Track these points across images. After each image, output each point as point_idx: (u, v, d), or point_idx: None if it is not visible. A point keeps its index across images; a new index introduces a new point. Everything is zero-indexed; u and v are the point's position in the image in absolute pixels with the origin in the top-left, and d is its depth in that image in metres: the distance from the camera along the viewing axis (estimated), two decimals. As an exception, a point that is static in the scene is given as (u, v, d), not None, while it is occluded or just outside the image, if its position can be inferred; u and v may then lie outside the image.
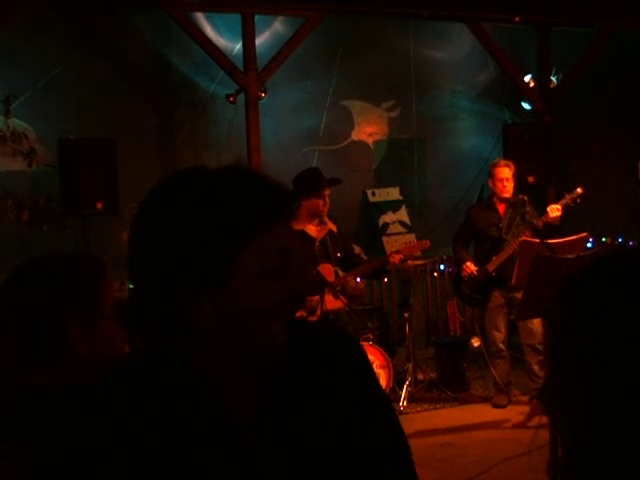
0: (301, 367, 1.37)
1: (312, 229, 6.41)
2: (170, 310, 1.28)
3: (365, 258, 6.91)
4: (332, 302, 6.32)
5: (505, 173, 6.95)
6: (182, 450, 1.28)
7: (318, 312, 6.22)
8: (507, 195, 6.96)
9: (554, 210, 6.78)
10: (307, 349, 1.39)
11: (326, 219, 6.48)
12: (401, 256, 6.69)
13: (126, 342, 1.85)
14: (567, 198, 6.99)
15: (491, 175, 7.05)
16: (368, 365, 1.47)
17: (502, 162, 7.08)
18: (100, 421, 1.31)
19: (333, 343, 1.44)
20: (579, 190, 6.97)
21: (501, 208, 7.03)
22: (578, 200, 6.98)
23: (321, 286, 6.14)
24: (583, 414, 0.86)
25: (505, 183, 6.94)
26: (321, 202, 6.32)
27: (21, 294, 1.91)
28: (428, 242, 7.14)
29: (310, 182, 6.33)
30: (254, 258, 1.27)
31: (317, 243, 6.43)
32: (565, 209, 6.91)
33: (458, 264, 7.17)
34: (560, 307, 0.90)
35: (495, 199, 7.06)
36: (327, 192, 6.40)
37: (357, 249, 7.06)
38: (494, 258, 6.93)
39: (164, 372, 1.33)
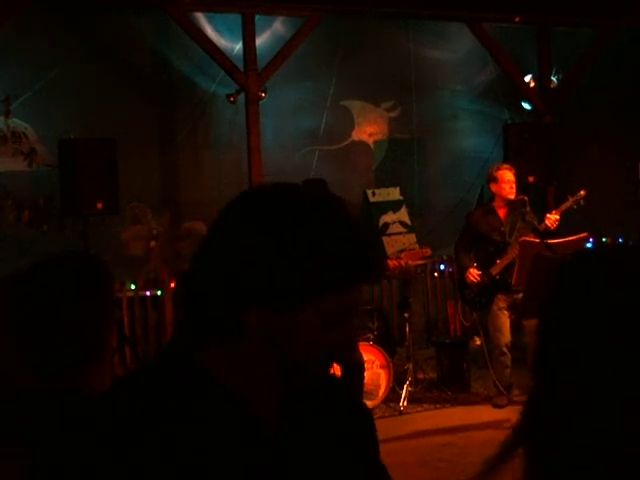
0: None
1: None
2: (227, 316, 1.29)
3: None
4: None
5: (509, 176, 6.93)
6: (206, 452, 1.28)
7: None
8: (512, 197, 6.94)
9: (551, 220, 6.77)
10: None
11: None
12: (400, 262, 6.72)
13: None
14: (570, 201, 6.98)
15: (493, 179, 6.97)
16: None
17: (504, 165, 7.07)
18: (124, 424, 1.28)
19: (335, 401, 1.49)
20: (582, 192, 6.95)
21: (502, 212, 6.99)
22: (581, 202, 6.97)
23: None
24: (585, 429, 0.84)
25: (512, 185, 6.93)
26: None
27: (62, 297, 1.82)
28: (429, 250, 7.14)
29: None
30: (325, 306, 1.29)
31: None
32: (567, 211, 6.91)
33: (461, 271, 7.14)
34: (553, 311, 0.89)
35: (496, 203, 7.02)
36: None
37: None
38: (498, 262, 6.91)
39: (194, 377, 1.32)
